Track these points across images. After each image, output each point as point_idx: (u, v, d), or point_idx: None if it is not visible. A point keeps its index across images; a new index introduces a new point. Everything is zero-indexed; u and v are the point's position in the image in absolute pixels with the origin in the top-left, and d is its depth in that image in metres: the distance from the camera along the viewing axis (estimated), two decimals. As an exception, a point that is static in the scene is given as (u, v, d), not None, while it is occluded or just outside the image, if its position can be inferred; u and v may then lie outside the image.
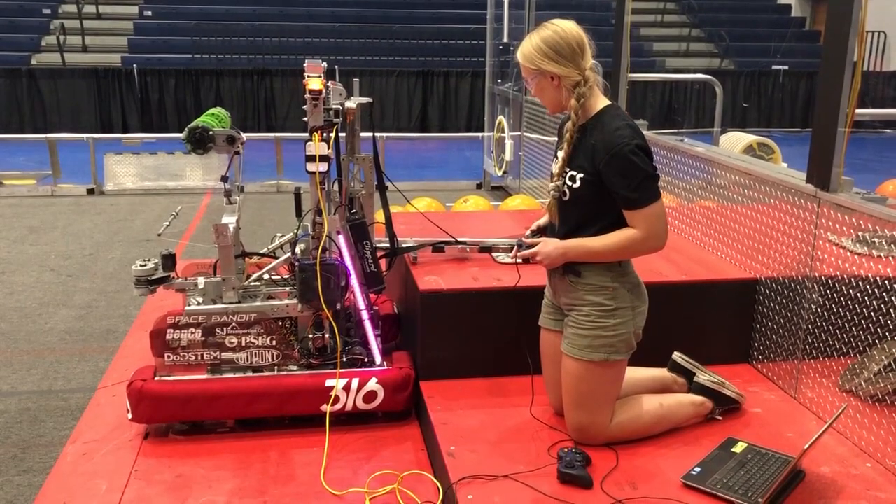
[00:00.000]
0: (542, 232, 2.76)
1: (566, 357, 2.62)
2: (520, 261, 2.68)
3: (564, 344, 2.63)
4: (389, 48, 14.55)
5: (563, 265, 2.60)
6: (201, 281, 3.07)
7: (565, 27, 2.51)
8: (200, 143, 3.01)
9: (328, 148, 2.93)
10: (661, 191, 2.52)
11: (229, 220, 3.07)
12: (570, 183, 2.55)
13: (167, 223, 3.43)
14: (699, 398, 2.80)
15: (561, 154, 2.60)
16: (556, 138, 2.80)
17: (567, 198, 2.57)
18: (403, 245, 3.38)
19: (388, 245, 3.27)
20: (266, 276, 3.21)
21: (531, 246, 2.62)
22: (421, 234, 3.58)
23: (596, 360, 2.56)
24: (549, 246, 2.59)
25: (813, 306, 2.89)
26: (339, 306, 3.06)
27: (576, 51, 2.50)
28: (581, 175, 2.52)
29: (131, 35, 14.54)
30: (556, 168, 2.63)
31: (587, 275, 2.57)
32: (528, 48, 2.54)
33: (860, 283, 2.64)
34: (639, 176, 2.45)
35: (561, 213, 2.63)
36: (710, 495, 2.33)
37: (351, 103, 3.10)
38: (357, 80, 3.26)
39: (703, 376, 2.85)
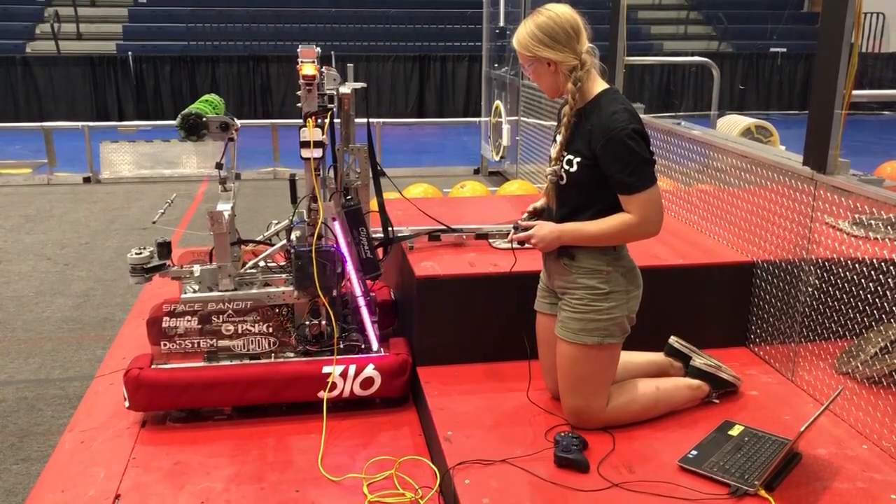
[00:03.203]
0: (538, 215, 2.76)
1: (560, 341, 2.62)
2: (516, 244, 2.67)
3: (558, 327, 2.63)
4: (386, 33, 14.49)
5: (558, 248, 2.60)
6: (197, 269, 3.07)
7: (560, 12, 2.49)
8: (194, 129, 3.00)
9: (323, 134, 2.92)
10: (658, 175, 2.51)
11: (224, 207, 3.05)
12: (567, 167, 2.54)
13: (162, 211, 3.42)
14: (696, 381, 2.81)
15: (559, 138, 2.59)
16: (553, 123, 2.79)
17: (564, 182, 2.56)
18: (399, 234, 3.37)
19: (384, 234, 3.26)
20: (262, 264, 3.21)
21: (527, 229, 2.62)
22: (417, 222, 3.58)
23: (590, 344, 2.56)
24: (545, 229, 2.58)
25: (810, 289, 2.88)
26: (335, 293, 3.05)
27: (571, 35, 2.48)
28: (578, 159, 2.51)
29: (126, 22, 14.47)
30: (554, 152, 2.62)
31: (581, 258, 2.57)
32: (523, 35, 2.52)
33: (857, 265, 2.64)
34: (635, 161, 2.44)
35: (558, 197, 2.62)
36: (706, 478, 2.33)
37: (345, 88, 3.08)
38: (351, 65, 3.24)
39: (700, 360, 2.85)
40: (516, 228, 2.66)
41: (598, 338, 2.56)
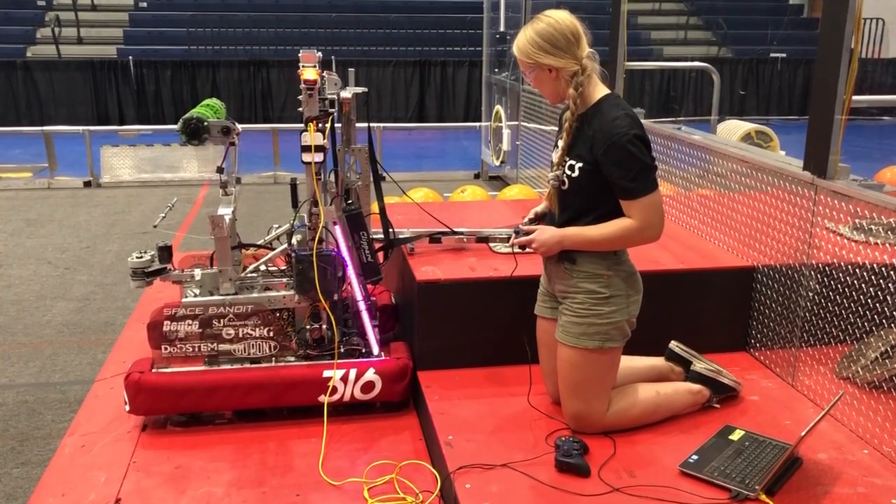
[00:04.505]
0: (539, 219, 2.76)
1: (561, 345, 2.62)
2: (517, 248, 2.68)
3: (559, 332, 2.64)
4: (386, 38, 14.51)
5: (559, 252, 2.60)
6: (198, 272, 3.07)
7: (559, 18, 2.49)
8: (195, 133, 3.00)
9: (324, 138, 2.92)
10: (659, 179, 2.52)
11: (225, 211, 3.06)
12: (569, 172, 2.55)
13: (163, 215, 3.43)
14: (696, 386, 2.81)
15: (561, 143, 2.59)
16: (553, 127, 2.79)
17: (566, 187, 2.57)
18: (400, 236, 3.38)
19: (384, 237, 3.27)
20: (263, 268, 3.21)
21: (528, 233, 2.62)
22: (418, 225, 3.58)
23: (590, 348, 2.56)
24: (546, 233, 2.59)
25: (810, 294, 2.89)
26: (336, 297, 3.05)
27: (571, 41, 2.48)
28: (580, 164, 2.52)
29: (126, 26, 14.49)
30: (555, 157, 2.62)
31: (582, 262, 2.57)
32: (523, 42, 2.52)
33: (857, 270, 2.64)
34: (636, 166, 2.44)
35: (560, 201, 2.63)
36: (707, 483, 2.33)
37: (346, 93, 3.09)
38: (352, 69, 3.25)
39: (700, 364, 2.85)
40: (517, 233, 2.67)
41: (598, 342, 2.56)
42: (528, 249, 2.65)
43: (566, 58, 2.49)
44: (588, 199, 2.55)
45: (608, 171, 2.47)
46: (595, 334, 2.56)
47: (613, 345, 2.59)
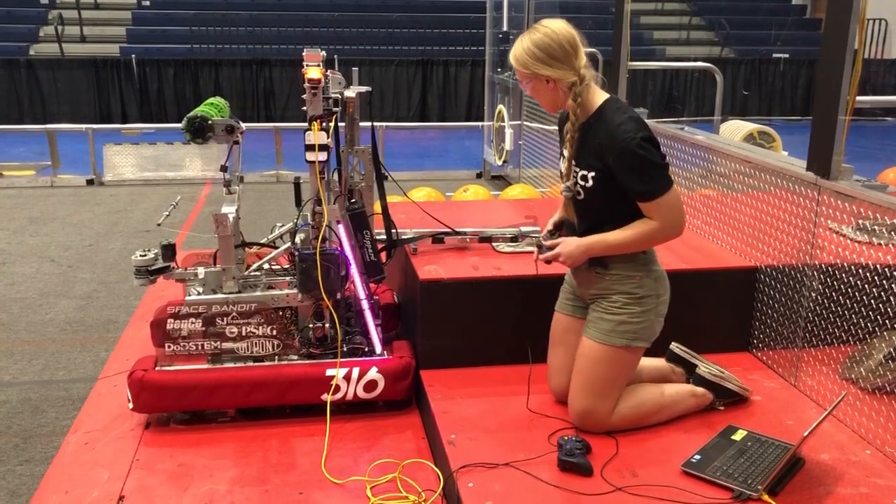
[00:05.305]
0: (558, 229, 2.74)
1: (587, 340, 2.62)
2: (543, 263, 2.67)
3: (588, 329, 2.64)
4: (388, 37, 14.51)
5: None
6: (201, 271, 3.07)
7: (556, 28, 2.48)
8: (199, 132, 3.01)
9: (327, 137, 2.93)
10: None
11: (229, 209, 3.06)
12: (582, 182, 2.55)
13: (167, 213, 3.43)
14: (700, 389, 2.80)
15: (566, 154, 2.59)
16: (556, 127, 2.79)
17: (582, 197, 2.57)
18: (403, 237, 3.38)
19: (387, 236, 3.27)
20: (266, 266, 3.21)
21: (551, 248, 2.61)
22: (421, 225, 3.58)
23: (618, 345, 2.57)
24: (571, 245, 2.59)
25: (813, 294, 2.89)
26: (339, 296, 3.06)
27: (569, 52, 2.48)
28: (593, 174, 2.52)
29: (129, 25, 14.49)
30: (563, 167, 2.62)
31: (614, 266, 2.58)
32: (520, 52, 2.51)
33: (860, 270, 2.64)
34: (648, 168, 2.44)
35: (578, 211, 2.63)
36: (709, 483, 2.33)
37: (350, 92, 3.09)
38: (356, 69, 3.25)
39: (705, 368, 2.84)
40: (540, 248, 2.66)
41: (626, 340, 2.57)
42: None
43: (564, 68, 2.48)
44: (607, 206, 2.55)
45: (621, 177, 2.47)
46: (625, 332, 2.57)
47: (640, 345, 2.60)
